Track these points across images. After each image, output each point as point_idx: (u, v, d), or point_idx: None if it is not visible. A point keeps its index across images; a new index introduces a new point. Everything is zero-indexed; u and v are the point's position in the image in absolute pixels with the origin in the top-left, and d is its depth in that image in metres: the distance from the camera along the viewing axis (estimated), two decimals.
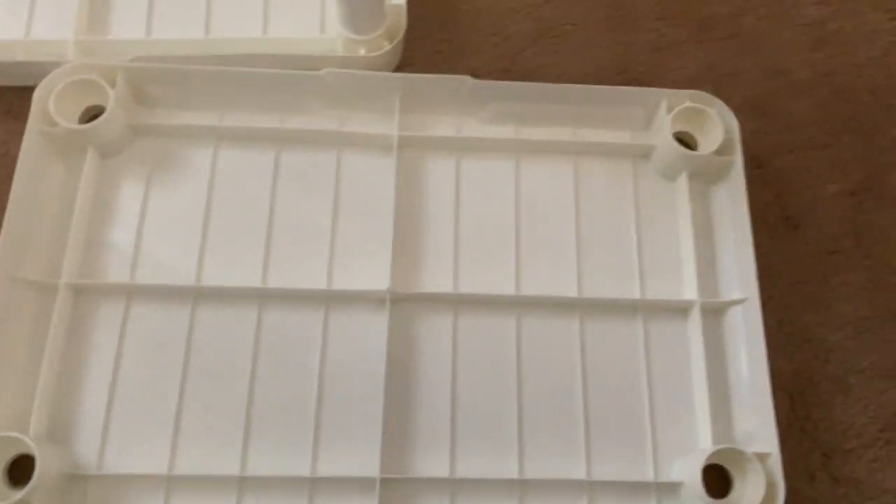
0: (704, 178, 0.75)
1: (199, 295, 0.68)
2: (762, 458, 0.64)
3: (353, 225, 0.71)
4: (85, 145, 0.69)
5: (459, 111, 0.76)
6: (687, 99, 0.74)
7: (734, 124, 0.74)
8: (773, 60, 0.84)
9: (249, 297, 0.68)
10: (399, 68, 0.80)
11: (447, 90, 0.74)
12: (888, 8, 0.86)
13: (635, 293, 0.71)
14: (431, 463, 0.65)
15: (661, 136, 0.73)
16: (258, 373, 0.66)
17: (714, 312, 0.71)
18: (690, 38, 0.84)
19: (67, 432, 0.63)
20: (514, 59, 0.82)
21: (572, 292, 0.70)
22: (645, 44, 0.84)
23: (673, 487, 0.65)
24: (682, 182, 0.74)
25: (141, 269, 0.68)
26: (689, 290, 0.71)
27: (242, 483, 0.63)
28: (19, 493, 0.57)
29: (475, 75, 0.75)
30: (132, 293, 0.67)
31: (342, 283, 0.69)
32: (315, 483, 0.63)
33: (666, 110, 0.74)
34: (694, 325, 0.70)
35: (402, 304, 0.69)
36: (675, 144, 0.72)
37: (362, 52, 0.76)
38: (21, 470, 0.61)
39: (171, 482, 0.63)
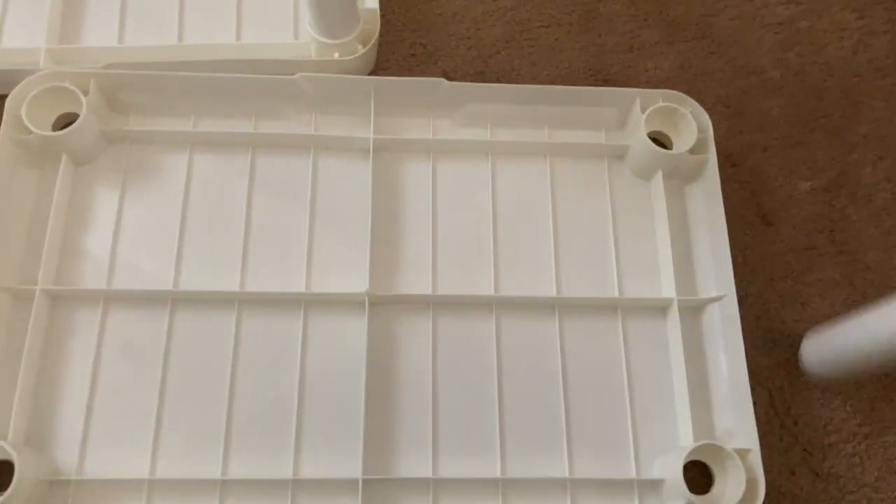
0: (679, 178, 0.77)
1: (176, 300, 0.69)
2: (742, 454, 0.66)
3: (331, 228, 0.73)
4: (59, 152, 0.71)
5: (434, 114, 0.78)
6: (660, 98, 0.76)
7: (707, 123, 0.76)
8: (745, 60, 0.86)
9: (227, 301, 0.70)
10: (373, 72, 0.82)
11: (422, 93, 0.76)
12: (855, 7, 0.90)
13: (613, 292, 0.73)
14: (414, 463, 0.67)
15: (636, 136, 0.75)
16: (238, 376, 0.68)
17: (692, 310, 0.73)
18: (662, 38, 0.87)
19: (47, 438, 0.65)
20: (487, 62, 0.84)
21: (551, 292, 0.72)
22: (617, 45, 0.86)
23: (654, 484, 0.67)
24: (658, 181, 0.76)
25: (118, 275, 0.70)
26: (667, 289, 0.73)
27: (224, 486, 0.64)
28: None
29: (449, 78, 0.78)
30: (109, 299, 0.69)
31: (320, 286, 0.71)
32: (297, 485, 0.65)
33: (640, 110, 0.76)
34: (672, 324, 0.72)
35: (381, 306, 0.70)
36: (650, 144, 0.74)
37: (336, 55, 0.78)
38: (1, 476, 0.62)
39: (153, 486, 0.64)
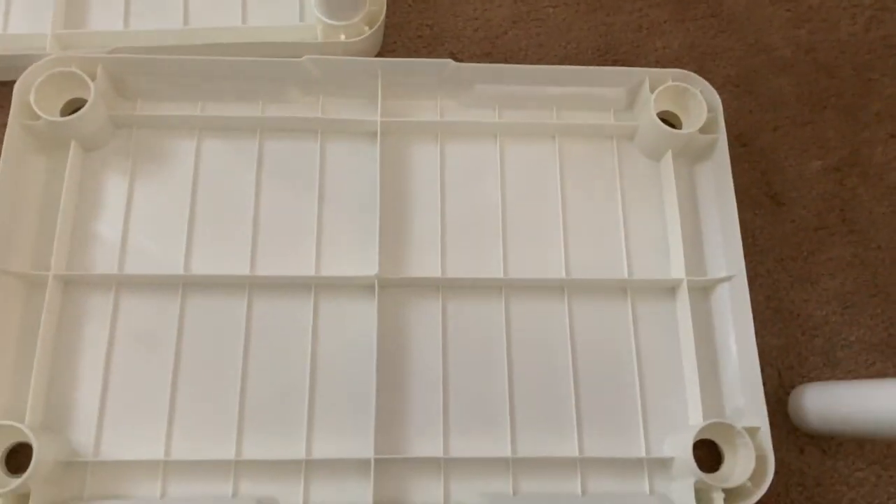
0: (689, 157, 0.79)
1: (187, 284, 0.72)
2: (752, 432, 0.69)
3: (339, 211, 0.76)
4: (67, 138, 0.73)
5: (441, 95, 0.80)
6: (670, 78, 0.78)
7: (717, 102, 0.78)
8: (755, 38, 0.88)
9: (238, 285, 0.72)
10: (380, 54, 0.84)
11: (429, 74, 0.78)
12: None
13: (623, 273, 0.75)
14: (425, 443, 0.69)
15: (645, 116, 0.77)
16: (250, 359, 0.71)
17: (701, 290, 0.76)
18: (671, 17, 0.89)
19: (63, 421, 0.68)
20: (494, 43, 0.86)
21: (560, 274, 0.75)
22: (626, 24, 0.88)
23: (664, 463, 0.70)
24: (667, 161, 0.78)
25: (129, 260, 0.73)
26: (677, 269, 0.75)
27: (238, 467, 0.67)
28: (18, 481, 0.61)
29: (456, 59, 0.80)
30: (121, 284, 0.72)
31: (330, 269, 0.73)
32: (310, 465, 0.68)
33: (649, 90, 0.77)
34: (682, 304, 0.74)
35: (391, 289, 0.73)
36: (660, 123, 0.76)
37: (342, 37, 0.80)
38: (19, 458, 0.66)
39: (168, 467, 0.67)
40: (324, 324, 0.72)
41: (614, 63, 0.86)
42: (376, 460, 0.67)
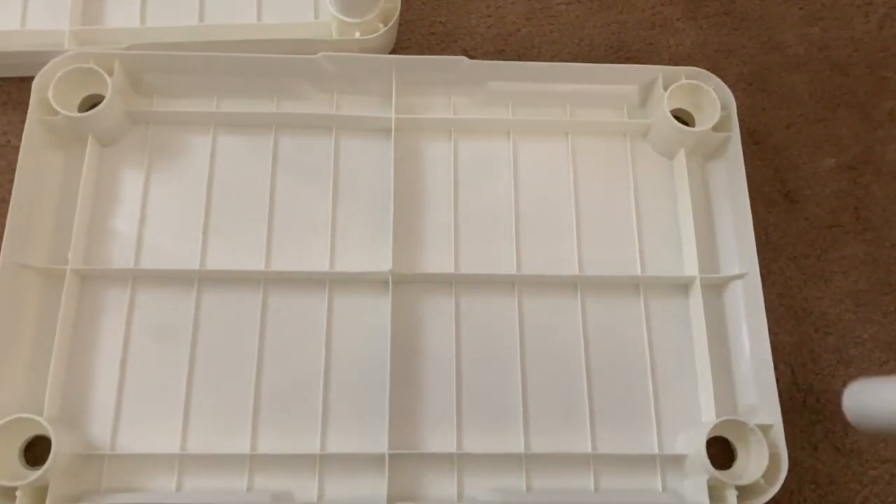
0: (702, 155, 0.80)
1: (203, 279, 0.73)
2: (765, 429, 0.69)
3: (353, 207, 0.77)
4: (85, 133, 0.74)
5: (455, 92, 0.81)
6: (683, 75, 0.78)
7: (731, 100, 0.79)
8: (768, 35, 0.89)
9: (253, 280, 0.74)
10: (394, 51, 0.85)
11: (443, 71, 0.79)
12: None
13: (635, 270, 0.76)
14: (439, 439, 0.70)
15: (658, 114, 0.78)
16: (265, 354, 0.72)
17: (715, 287, 0.76)
18: (684, 15, 0.89)
19: (80, 414, 0.69)
20: (507, 40, 0.87)
21: (573, 270, 0.76)
22: (638, 22, 0.89)
23: (677, 460, 0.71)
24: (680, 159, 0.79)
25: (145, 255, 0.74)
26: (690, 266, 0.76)
27: (253, 461, 0.69)
28: (36, 473, 0.63)
29: (470, 56, 0.81)
30: (138, 278, 0.73)
31: (344, 265, 0.75)
32: (325, 460, 0.69)
33: (662, 87, 0.78)
34: (695, 301, 0.75)
35: (404, 284, 0.74)
36: (673, 121, 0.77)
37: (357, 34, 0.81)
38: (36, 452, 0.67)
39: (184, 461, 0.68)
40: (338, 319, 0.73)
41: (627, 60, 0.86)
42: (390, 455, 0.68)
